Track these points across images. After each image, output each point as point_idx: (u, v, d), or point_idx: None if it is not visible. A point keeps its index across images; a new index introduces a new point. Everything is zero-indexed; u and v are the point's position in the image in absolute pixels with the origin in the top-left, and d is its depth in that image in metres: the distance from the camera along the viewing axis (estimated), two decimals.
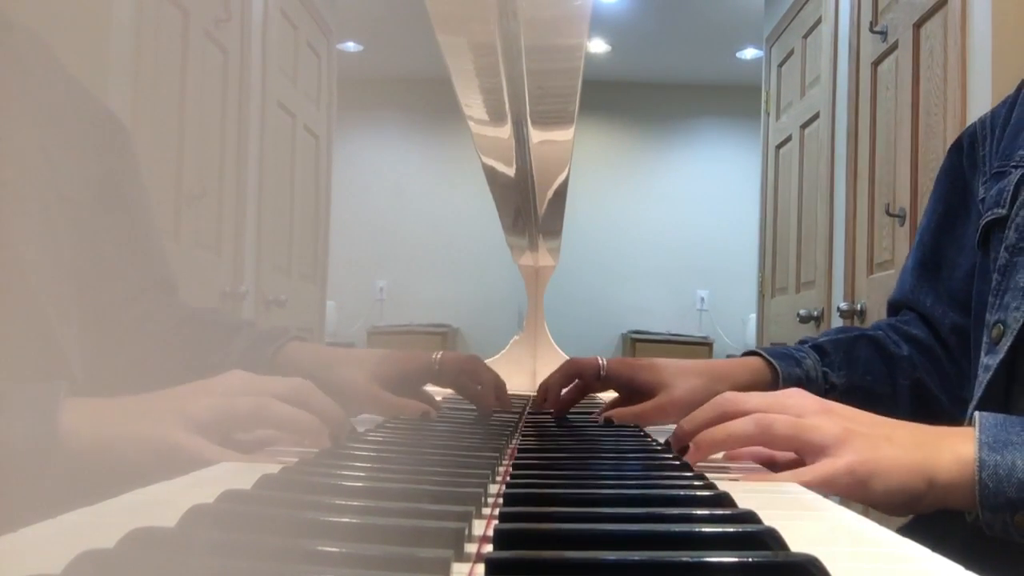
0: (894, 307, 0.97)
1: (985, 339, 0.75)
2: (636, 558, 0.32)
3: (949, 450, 0.56)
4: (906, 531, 0.53)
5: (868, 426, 0.59)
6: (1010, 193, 0.76)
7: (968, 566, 0.34)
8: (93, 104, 0.84)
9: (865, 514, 0.45)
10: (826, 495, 0.53)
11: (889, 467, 0.55)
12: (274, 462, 0.54)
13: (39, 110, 0.76)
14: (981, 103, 1.81)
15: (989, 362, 0.73)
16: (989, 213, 0.79)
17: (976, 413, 0.58)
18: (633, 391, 0.91)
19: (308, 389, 0.63)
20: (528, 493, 0.44)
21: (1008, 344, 0.71)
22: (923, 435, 0.58)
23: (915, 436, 0.58)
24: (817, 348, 0.90)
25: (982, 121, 0.88)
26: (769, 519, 0.37)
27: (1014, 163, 0.78)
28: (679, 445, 0.63)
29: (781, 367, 0.86)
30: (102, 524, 0.38)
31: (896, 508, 0.56)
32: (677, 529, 0.36)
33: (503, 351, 1.38)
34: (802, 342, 0.93)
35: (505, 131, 0.79)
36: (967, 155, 0.89)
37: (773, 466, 0.65)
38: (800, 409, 0.60)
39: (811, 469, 0.56)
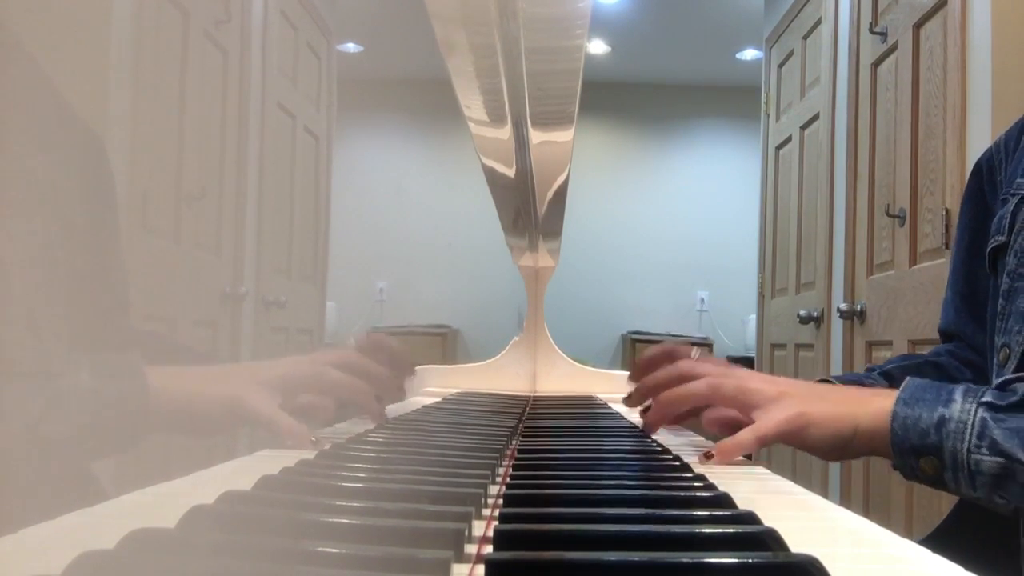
0: (945, 336, 0.99)
1: (995, 361, 0.78)
2: (636, 559, 0.32)
3: (874, 404, 0.65)
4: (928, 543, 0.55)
5: (802, 388, 0.69)
6: (1008, 220, 0.80)
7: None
8: (69, 112, 0.84)
9: (865, 515, 0.45)
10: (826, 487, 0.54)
11: (821, 418, 0.65)
12: (323, 434, 0.66)
13: (21, 118, 0.76)
14: (981, 103, 1.81)
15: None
16: (992, 240, 0.82)
17: (908, 377, 0.67)
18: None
19: (358, 359, 0.75)
20: (528, 494, 0.44)
21: (1014, 366, 0.74)
22: (851, 393, 0.69)
23: (844, 394, 0.69)
24: (885, 375, 0.92)
25: (997, 144, 0.89)
26: (769, 520, 0.37)
27: (1012, 191, 0.81)
28: (639, 400, 0.73)
29: None
30: (102, 525, 0.38)
31: (829, 453, 0.66)
32: (677, 530, 0.36)
33: (503, 352, 1.38)
34: (870, 369, 0.95)
35: (505, 132, 0.79)
36: (987, 180, 0.91)
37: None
38: (746, 376, 0.70)
39: (757, 425, 0.66)
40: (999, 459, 0.58)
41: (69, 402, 0.59)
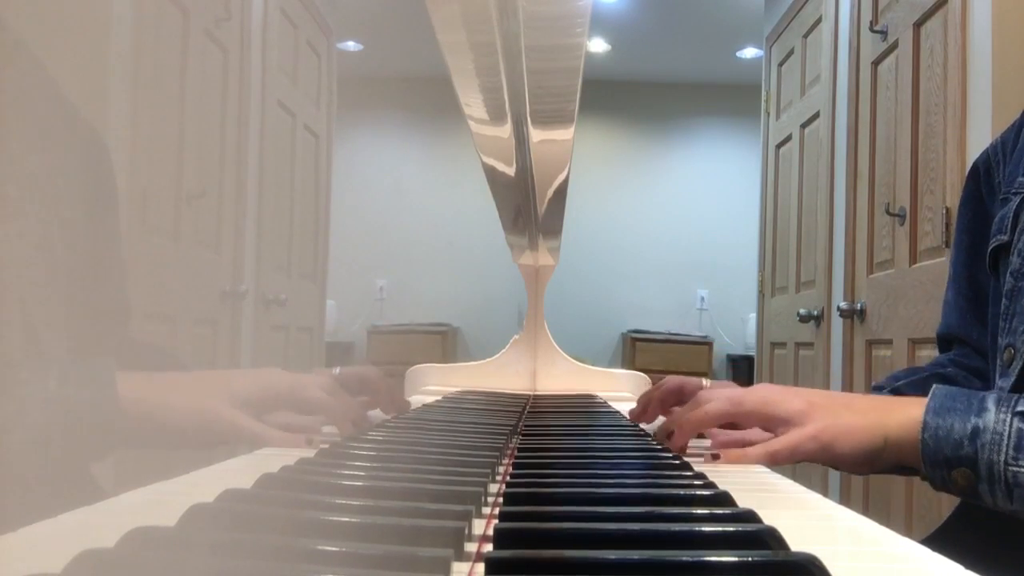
0: (945, 341, 0.97)
1: (998, 362, 0.77)
2: (636, 557, 0.32)
3: (902, 413, 0.63)
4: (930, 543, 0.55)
5: (827, 398, 0.67)
6: (1010, 220, 0.79)
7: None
8: (72, 112, 0.84)
9: (864, 513, 0.45)
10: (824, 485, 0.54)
11: (849, 430, 0.63)
12: (303, 445, 0.65)
13: (25, 117, 0.75)
14: (981, 103, 1.81)
15: (1003, 384, 0.75)
16: (994, 240, 0.81)
17: (935, 384, 0.64)
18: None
19: (334, 382, 0.74)
20: (528, 492, 0.44)
21: (1019, 367, 0.72)
22: (878, 402, 0.67)
23: (871, 403, 0.66)
24: (896, 392, 0.90)
25: (993, 147, 0.89)
26: (769, 518, 0.37)
27: (1014, 190, 0.80)
28: (664, 435, 0.71)
29: None
30: (102, 524, 0.38)
31: (858, 466, 0.64)
32: (677, 528, 0.36)
33: (503, 351, 1.38)
34: (877, 388, 0.93)
35: (505, 130, 0.79)
36: (984, 182, 0.90)
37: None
38: (767, 391, 0.68)
39: (780, 439, 0.63)
40: None
41: (35, 409, 0.57)
